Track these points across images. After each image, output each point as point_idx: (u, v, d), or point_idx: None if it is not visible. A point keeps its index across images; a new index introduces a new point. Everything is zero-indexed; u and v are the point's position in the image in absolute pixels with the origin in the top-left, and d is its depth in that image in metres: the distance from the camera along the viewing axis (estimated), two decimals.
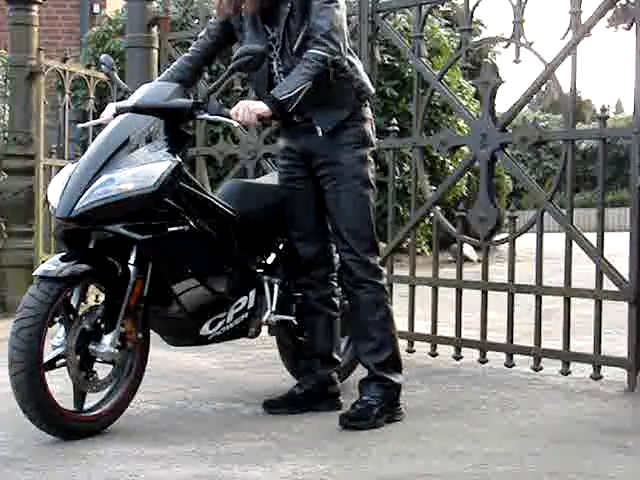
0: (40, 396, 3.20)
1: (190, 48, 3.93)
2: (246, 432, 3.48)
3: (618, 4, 4.53)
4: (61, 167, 6.14)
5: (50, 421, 3.26)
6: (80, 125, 4.39)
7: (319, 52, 3.50)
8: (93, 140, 3.64)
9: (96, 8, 13.02)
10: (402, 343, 5.15)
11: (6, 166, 6.98)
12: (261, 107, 3.48)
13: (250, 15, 3.69)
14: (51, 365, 3.29)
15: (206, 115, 3.57)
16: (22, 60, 6.82)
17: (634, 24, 4.31)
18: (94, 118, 6.52)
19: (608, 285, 4.39)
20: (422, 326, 5.17)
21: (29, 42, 6.83)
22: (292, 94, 3.46)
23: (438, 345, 5.04)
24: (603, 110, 4.49)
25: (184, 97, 3.59)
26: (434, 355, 5.03)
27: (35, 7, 6.87)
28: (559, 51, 4.55)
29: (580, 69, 4.53)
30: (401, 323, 5.19)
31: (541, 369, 4.59)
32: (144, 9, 6.23)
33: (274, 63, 3.68)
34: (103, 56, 3.94)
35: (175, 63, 3.91)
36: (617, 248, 6.04)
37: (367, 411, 3.61)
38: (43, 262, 3.46)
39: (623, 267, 4.41)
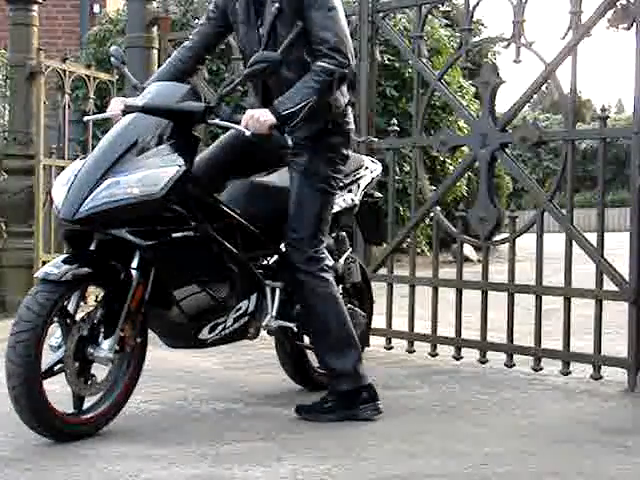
0: (40, 406, 3.19)
1: (190, 37, 3.87)
2: (246, 432, 3.48)
3: (618, 4, 4.53)
4: (61, 167, 6.15)
5: (51, 428, 3.25)
6: (86, 118, 4.24)
7: (327, 65, 3.48)
8: (93, 140, 3.59)
9: (96, 8, 13.02)
10: (402, 343, 5.19)
11: (6, 166, 6.98)
12: (271, 117, 3.41)
13: (243, 8, 3.64)
14: (50, 373, 3.27)
15: (217, 121, 3.50)
16: (22, 60, 6.82)
17: (634, 24, 4.31)
18: None
19: (608, 285, 4.39)
20: (422, 326, 5.17)
21: (29, 42, 6.82)
22: (295, 109, 3.43)
23: (438, 345, 5.04)
24: (603, 110, 4.50)
25: (195, 99, 3.51)
26: (434, 355, 5.03)
27: (35, 7, 6.86)
28: (559, 51, 4.55)
29: (580, 69, 4.54)
30: (401, 323, 5.21)
31: (541, 369, 4.59)
32: (144, 9, 6.23)
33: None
34: (113, 48, 3.80)
35: (175, 54, 3.85)
36: (617, 248, 6.04)
37: (319, 406, 3.68)
38: (43, 262, 3.44)
39: (623, 267, 4.41)
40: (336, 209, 3.92)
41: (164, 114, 3.42)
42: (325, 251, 3.74)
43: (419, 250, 10.77)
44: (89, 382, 3.34)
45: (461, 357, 4.92)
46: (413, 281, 5.15)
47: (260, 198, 3.81)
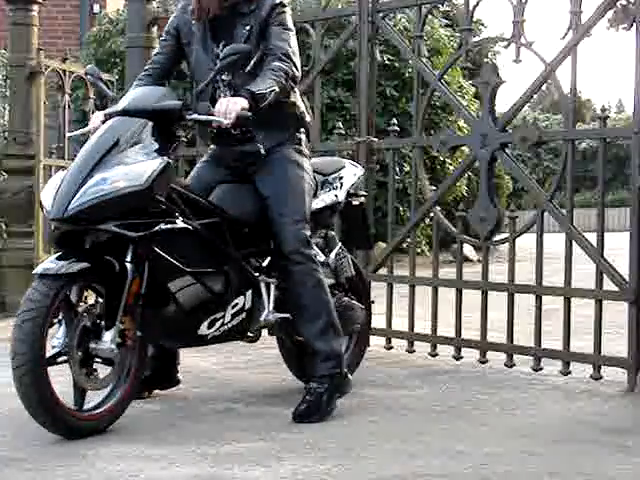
0: (43, 390, 3.20)
1: (148, 66, 4.02)
2: (246, 432, 3.48)
3: (618, 4, 4.53)
4: (61, 167, 6.15)
5: (53, 417, 3.25)
6: (68, 134, 4.47)
7: (282, 65, 3.71)
8: None
9: (96, 8, 13.03)
10: (402, 343, 5.19)
11: (6, 166, 6.99)
12: (242, 101, 3.56)
13: (200, 31, 3.85)
14: (52, 361, 3.29)
15: (195, 115, 3.60)
16: (22, 60, 6.83)
17: (634, 24, 4.31)
18: None
19: (608, 285, 4.39)
20: (422, 326, 5.17)
21: (29, 42, 6.83)
22: (266, 92, 3.61)
23: (438, 345, 5.04)
24: (603, 110, 4.50)
25: (174, 99, 3.63)
26: (434, 355, 5.03)
27: (35, 7, 6.87)
28: (559, 51, 4.55)
29: (580, 69, 4.54)
30: (401, 323, 5.21)
31: (541, 369, 4.59)
32: (144, 9, 6.23)
33: (223, 77, 3.77)
34: (88, 67, 3.99)
35: (138, 82, 3.96)
36: (617, 248, 6.04)
37: (317, 402, 3.68)
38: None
39: (623, 267, 4.41)
40: (321, 205, 4.05)
41: (143, 114, 3.54)
42: (313, 244, 3.86)
43: (419, 250, 10.78)
44: (91, 376, 3.37)
45: (461, 357, 4.92)
46: (413, 281, 5.15)
47: (245, 199, 3.87)
